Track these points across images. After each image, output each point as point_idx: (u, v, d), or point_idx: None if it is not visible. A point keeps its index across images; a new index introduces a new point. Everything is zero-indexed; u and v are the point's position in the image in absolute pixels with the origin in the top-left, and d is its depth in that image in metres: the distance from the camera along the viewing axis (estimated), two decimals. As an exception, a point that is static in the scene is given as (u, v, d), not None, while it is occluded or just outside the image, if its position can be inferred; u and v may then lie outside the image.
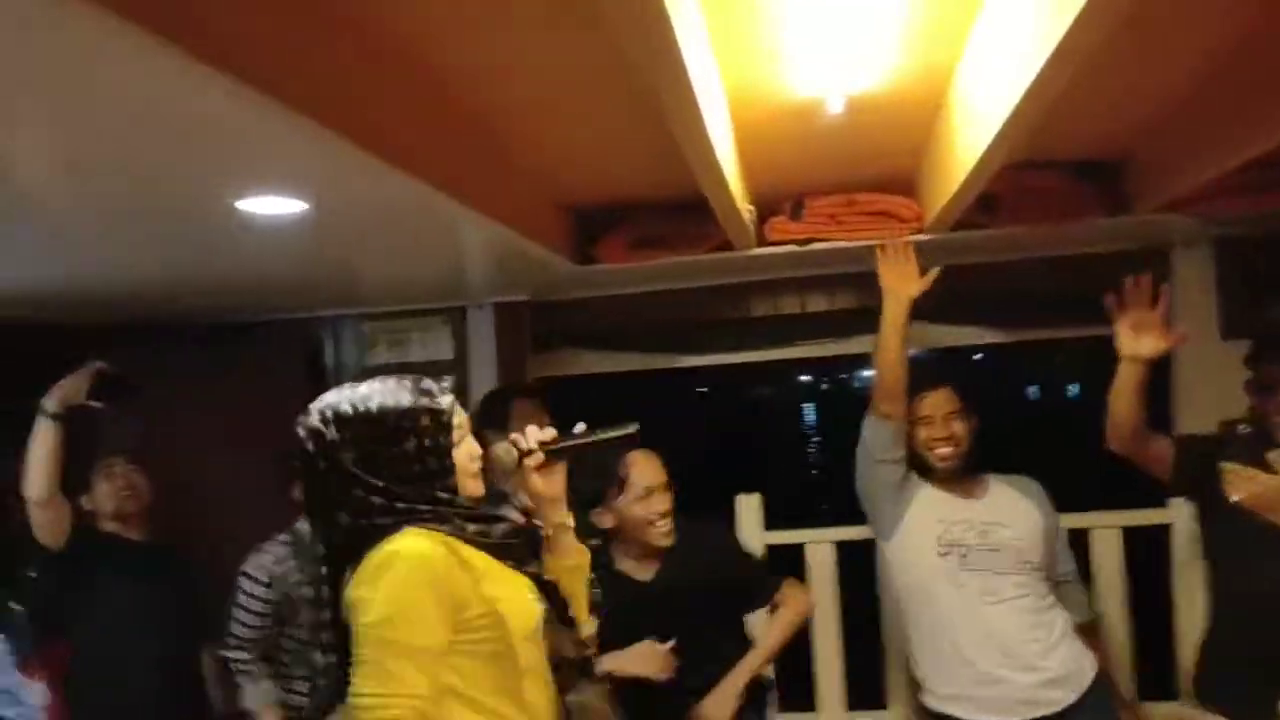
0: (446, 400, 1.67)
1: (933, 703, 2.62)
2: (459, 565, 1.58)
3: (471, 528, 1.64)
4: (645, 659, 2.34)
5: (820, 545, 3.41)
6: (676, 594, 2.44)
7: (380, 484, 1.59)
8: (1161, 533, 3.31)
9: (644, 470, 2.44)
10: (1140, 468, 2.54)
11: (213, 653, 2.98)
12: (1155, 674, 3.32)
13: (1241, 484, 2.26)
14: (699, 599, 2.45)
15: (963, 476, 2.66)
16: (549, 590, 1.75)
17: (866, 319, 3.33)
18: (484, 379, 3.48)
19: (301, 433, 1.61)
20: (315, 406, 1.63)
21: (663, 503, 2.44)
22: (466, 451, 1.71)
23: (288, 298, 3.34)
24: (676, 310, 3.48)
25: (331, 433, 1.59)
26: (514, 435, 1.83)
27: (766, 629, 2.62)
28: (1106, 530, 3.37)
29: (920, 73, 1.97)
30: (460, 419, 1.70)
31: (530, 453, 1.80)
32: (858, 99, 2.07)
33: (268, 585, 2.83)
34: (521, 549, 1.73)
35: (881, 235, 2.79)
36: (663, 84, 1.41)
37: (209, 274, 2.74)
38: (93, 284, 2.73)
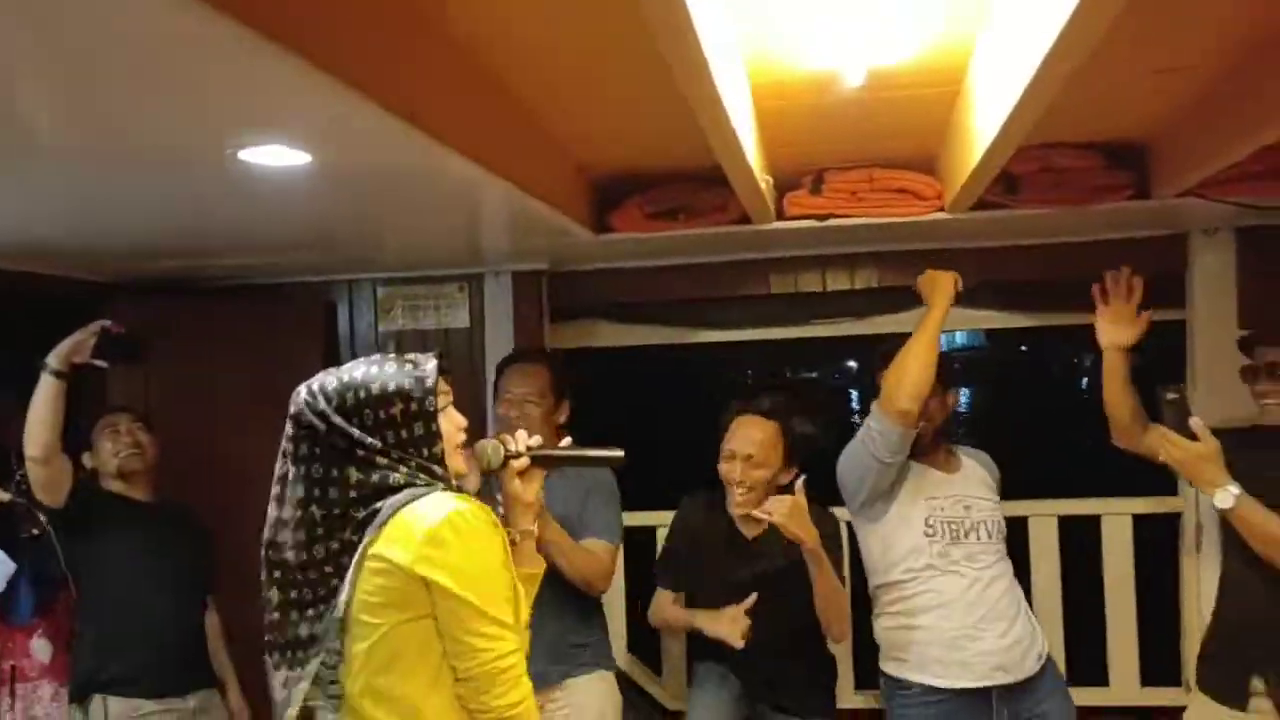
0: (430, 366, 1.68)
1: (903, 671, 2.62)
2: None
3: None
4: (729, 624, 2.53)
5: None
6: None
7: (380, 444, 1.62)
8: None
9: (731, 435, 2.65)
10: (1146, 458, 2.56)
11: (216, 612, 3.00)
12: (1158, 661, 3.34)
13: (1167, 448, 2.32)
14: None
15: (939, 450, 2.69)
16: None
17: (888, 299, 3.38)
18: (500, 348, 3.49)
19: (294, 409, 1.65)
20: (304, 385, 1.67)
21: (735, 471, 2.60)
22: (453, 422, 1.73)
23: (300, 260, 3.35)
24: (696, 285, 3.50)
25: (321, 403, 1.63)
26: (504, 435, 1.87)
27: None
28: (1116, 517, 3.38)
29: (941, 46, 1.96)
30: (444, 387, 1.71)
31: (517, 456, 1.84)
32: (879, 72, 2.06)
33: None
34: None
35: (901, 213, 2.78)
36: (674, 49, 1.40)
37: (214, 229, 2.72)
38: (93, 237, 2.72)
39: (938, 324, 2.55)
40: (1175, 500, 3.28)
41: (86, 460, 2.84)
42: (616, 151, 2.66)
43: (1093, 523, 3.40)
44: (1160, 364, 3.07)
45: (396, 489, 1.60)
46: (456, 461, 1.72)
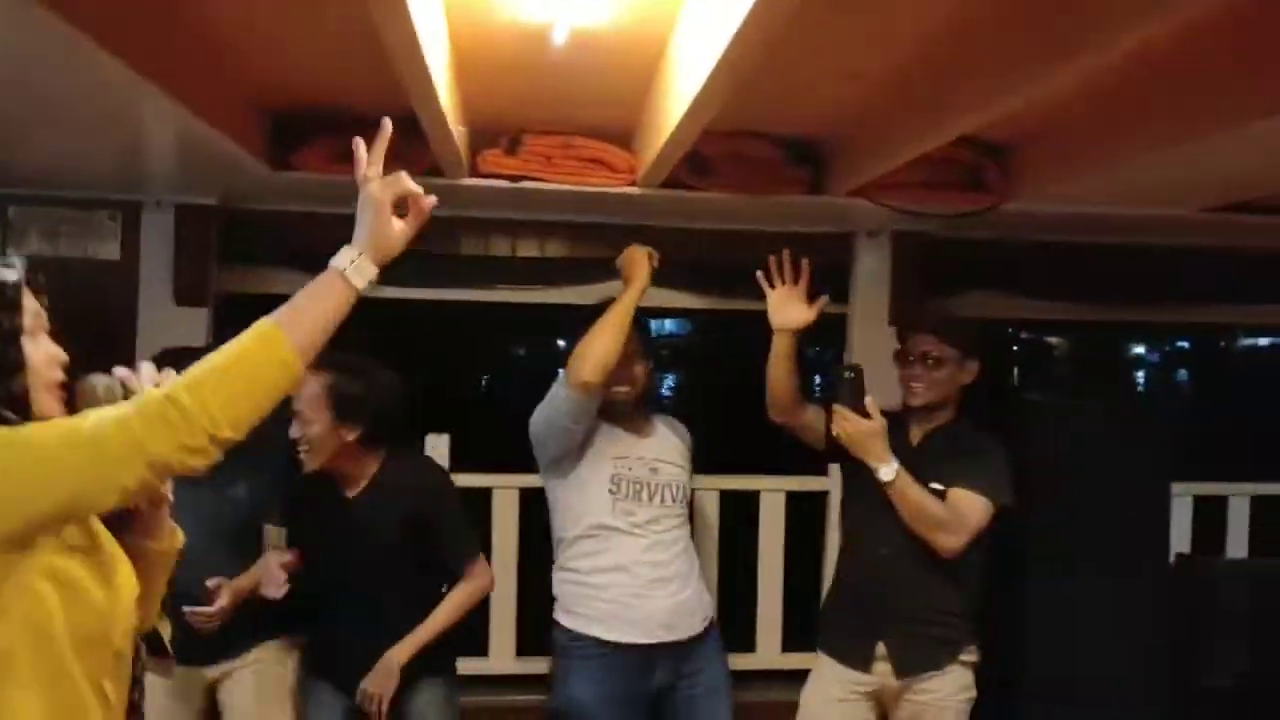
0: (13, 275, 1.33)
1: (575, 624, 2.67)
2: None
3: None
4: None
5: (507, 491, 3.44)
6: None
7: None
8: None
9: None
10: (799, 438, 2.73)
11: None
12: (802, 626, 3.60)
13: (840, 423, 2.47)
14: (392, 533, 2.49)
15: (635, 415, 2.72)
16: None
17: (577, 270, 3.40)
18: (157, 288, 3.16)
19: None
20: None
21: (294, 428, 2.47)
22: (45, 351, 1.37)
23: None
24: (380, 237, 3.32)
25: None
26: (122, 371, 1.46)
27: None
28: (772, 494, 3.60)
29: (645, 14, 1.96)
30: (35, 306, 1.37)
31: None
32: (583, 33, 2.03)
33: None
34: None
35: (593, 182, 2.79)
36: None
37: None
38: None
39: (633, 301, 2.56)
40: (824, 480, 3.54)
41: None
42: (303, 86, 2.46)
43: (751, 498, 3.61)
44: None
45: None
46: (47, 403, 1.36)
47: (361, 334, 2.53)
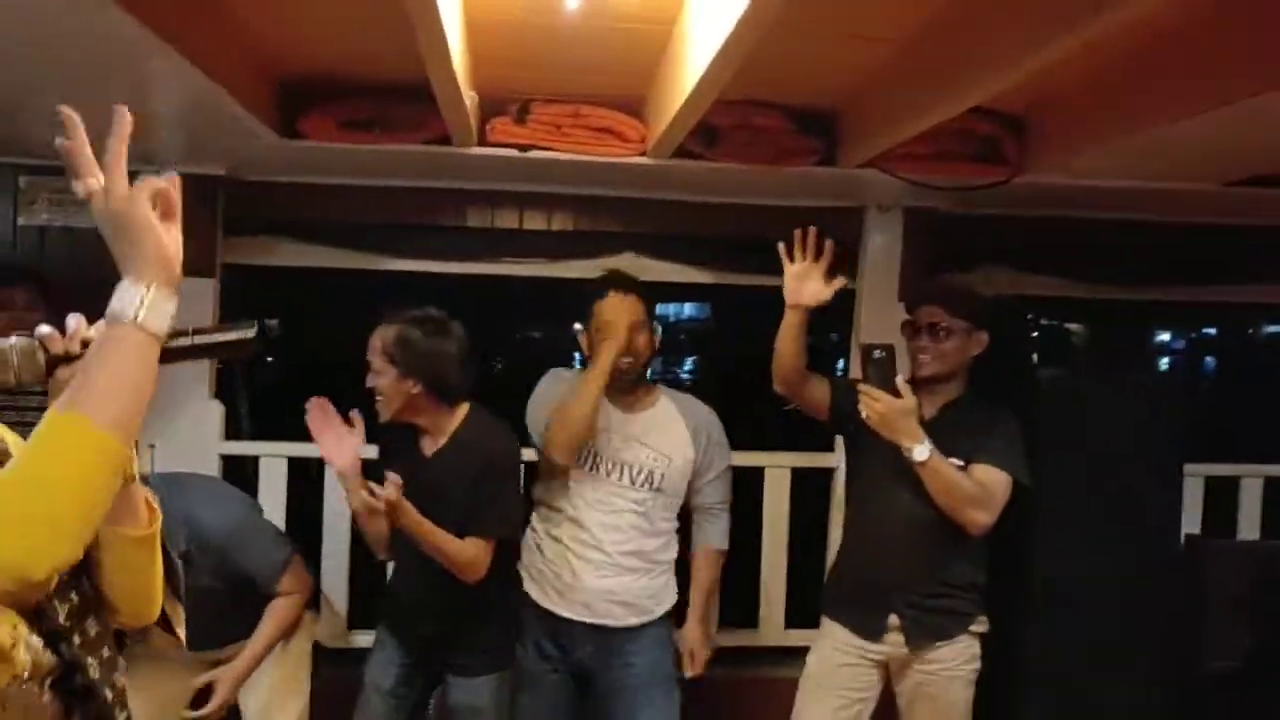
0: None
1: (525, 583, 2.73)
2: None
3: None
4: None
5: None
6: None
7: None
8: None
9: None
10: (802, 408, 2.71)
11: None
12: (806, 604, 3.58)
13: (869, 404, 2.44)
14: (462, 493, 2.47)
15: (634, 388, 2.70)
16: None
17: (583, 243, 3.39)
18: (163, 256, 3.15)
19: None
20: None
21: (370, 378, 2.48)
22: None
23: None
24: (390, 209, 3.32)
25: None
26: (43, 330, 1.21)
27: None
28: (777, 470, 3.59)
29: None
30: None
31: (68, 359, 1.20)
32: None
33: None
34: None
35: (603, 152, 2.76)
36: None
37: None
38: None
39: (607, 366, 2.52)
40: (830, 456, 3.53)
41: None
42: (312, 52, 2.44)
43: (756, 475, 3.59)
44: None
45: None
46: None
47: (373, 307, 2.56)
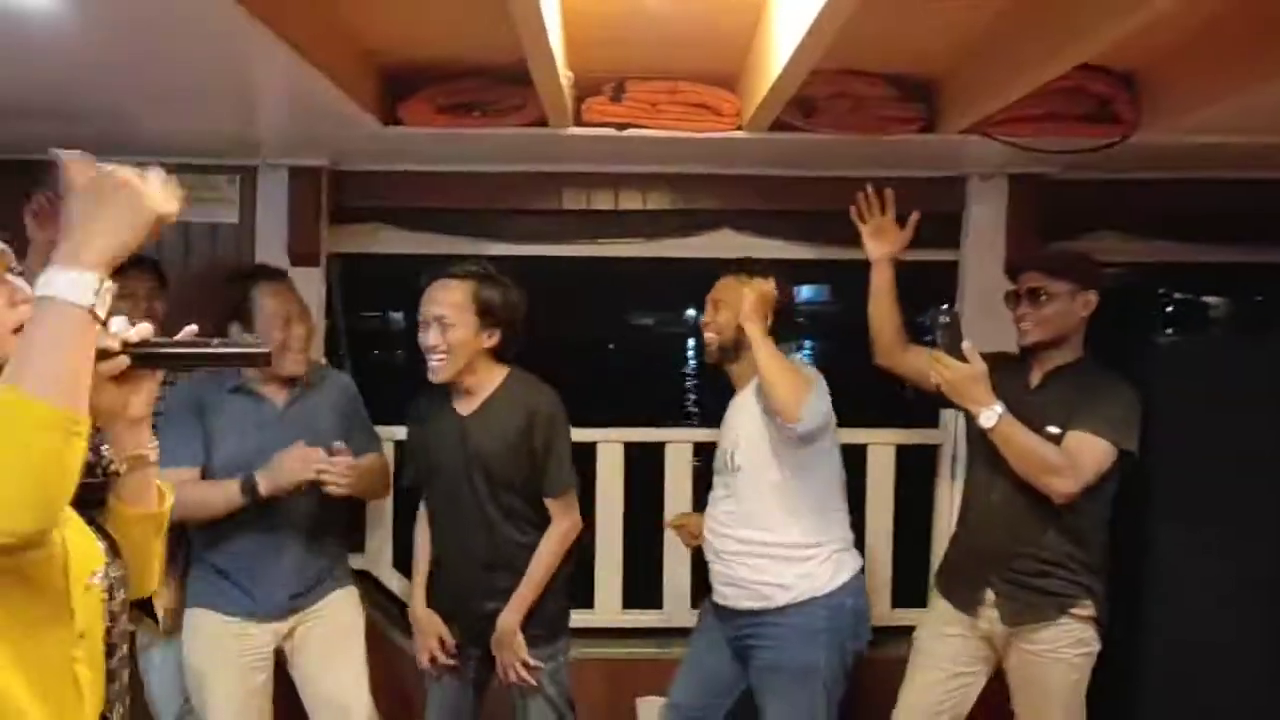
0: None
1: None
2: None
3: None
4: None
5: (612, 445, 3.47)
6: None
7: None
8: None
9: (424, 301, 2.59)
10: (908, 382, 2.68)
11: None
12: (912, 582, 3.54)
13: (939, 370, 2.42)
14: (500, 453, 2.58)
15: (735, 370, 2.74)
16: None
17: (678, 221, 3.39)
18: (273, 248, 3.25)
19: None
20: None
21: (429, 337, 2.56)
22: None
23: (37, 133, 2.95)
24: (488, 194, 3.36)
25: None
26: (145, 327, 1.36)
27: None
28: (880, 447, 3.54)
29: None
30: None
31: (108, 354, 1.28)
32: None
33: None
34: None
35: (699, 128, 2.75)
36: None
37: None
38: None
39: (762, 337, 2.55)
40: (936, 433, 3.46)
41: None
42: (410, 38, 2.47)
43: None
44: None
45: None
46: (7, 348, 1.23)
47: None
